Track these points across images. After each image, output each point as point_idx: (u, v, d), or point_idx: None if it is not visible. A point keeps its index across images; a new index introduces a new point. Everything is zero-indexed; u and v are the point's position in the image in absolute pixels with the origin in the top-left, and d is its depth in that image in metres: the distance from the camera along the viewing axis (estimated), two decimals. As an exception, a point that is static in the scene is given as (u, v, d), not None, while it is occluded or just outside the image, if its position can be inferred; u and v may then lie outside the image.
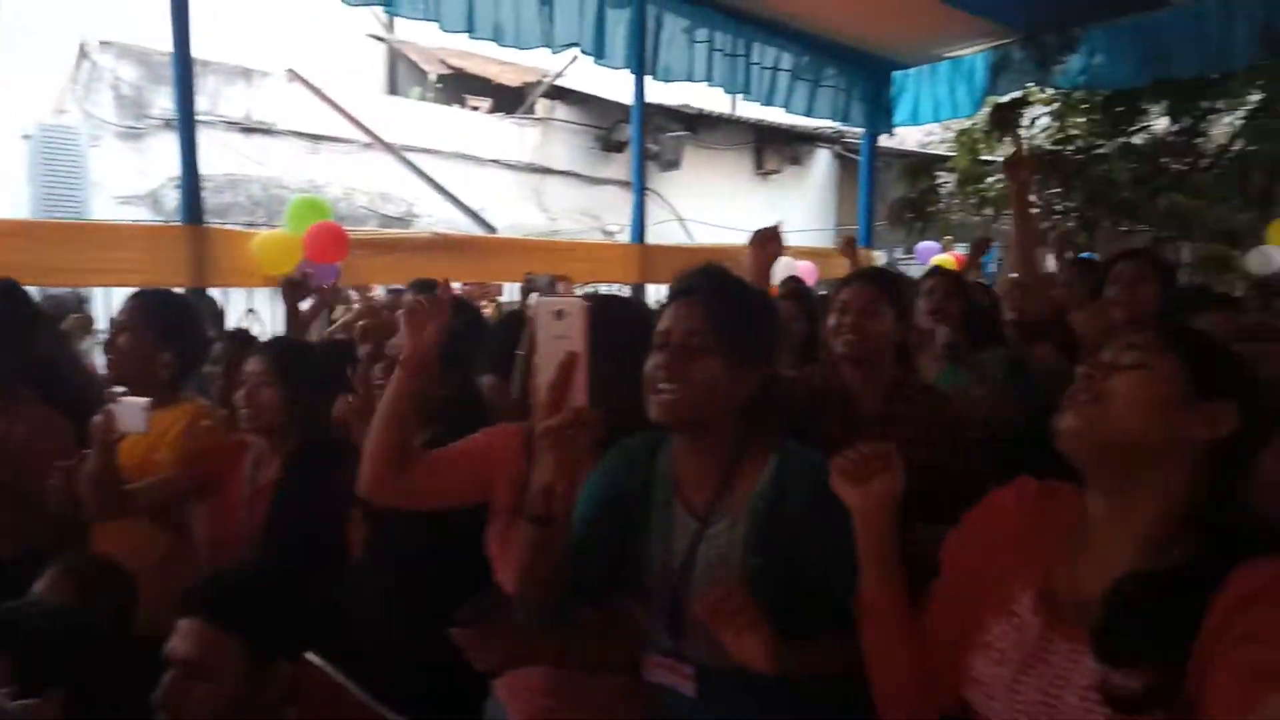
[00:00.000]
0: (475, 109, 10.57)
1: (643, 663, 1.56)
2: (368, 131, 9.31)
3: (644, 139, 7.63)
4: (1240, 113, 8.22)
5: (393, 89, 11.06)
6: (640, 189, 7.21)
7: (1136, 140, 8.46)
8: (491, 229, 9.82)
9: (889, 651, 1.23)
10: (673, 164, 11.55)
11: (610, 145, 11.02)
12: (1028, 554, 1.16)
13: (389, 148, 9.47)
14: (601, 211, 10.61)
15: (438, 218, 9.49)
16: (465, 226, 9.66)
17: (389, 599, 2.07)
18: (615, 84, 9.24)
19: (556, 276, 6.30)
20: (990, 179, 8.76)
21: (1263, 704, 0.84)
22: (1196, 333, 1.14)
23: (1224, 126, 8.52)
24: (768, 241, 2.42)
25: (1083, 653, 1.03)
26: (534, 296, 5.87)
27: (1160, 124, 8.49)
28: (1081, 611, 1.06)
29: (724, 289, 1.48)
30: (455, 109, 10.44)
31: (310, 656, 1.73)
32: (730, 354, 1.40)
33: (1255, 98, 7.87)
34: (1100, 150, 8.34)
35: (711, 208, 11.74)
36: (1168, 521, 1.05)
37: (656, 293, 8.58)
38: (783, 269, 6.97)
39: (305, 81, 8.94)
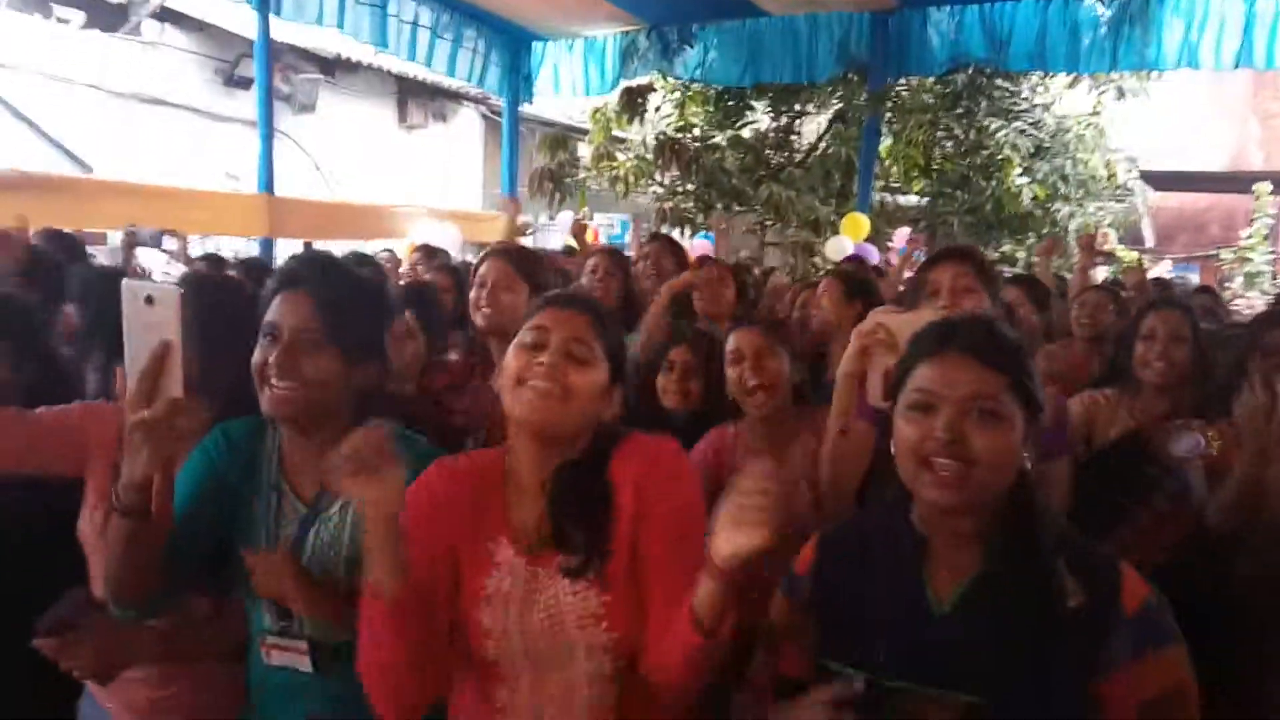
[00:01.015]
0: (64, 22, 9.12)
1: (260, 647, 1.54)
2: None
3: (273, 79, 7.10)
4: (826, 117, 9.47)
5: (-48, -15, 9.19)
6: (268, 133, 6.73)
7: (745, 133, 9.43)
8: (86, 167, 8.60)
9: (384, 641, 1.23)
10: (307, 108, 10.86)
11: (234, 80, 10.09)
12: (485, 514, 1.33)
13: (-55, 57, 7.90)
14: (224, 154, 9.70)
15: (16, 150, 8.11)
16: (53, 163, 8.36)
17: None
18: (237, 14, 8.48)
19: (166, 229, 5.65)
20: (622, 156, 9.30)
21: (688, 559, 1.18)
22: (614, 326, 1.37)
23: (815, 127, 9.77)
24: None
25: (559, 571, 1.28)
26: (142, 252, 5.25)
27: (764, 120, 9.53)
28: (546, 541, 1.29)
29: (334, 281, 1.47)
30: (37, 18, 8.93)
31: None
32: (344, 349, 1.42)
33: (838, 106, 9.11)
34: (714, 140, 9.19)
35: (351, 158, 11.25)
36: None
37: (288, 248, 8.09)
38: (439, 233, 6.90)
39: None
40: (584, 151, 9.75)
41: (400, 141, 12.52)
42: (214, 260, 4.82)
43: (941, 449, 1.12)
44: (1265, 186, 11.74)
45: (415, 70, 10.98)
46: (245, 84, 9.79)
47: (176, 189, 6.63)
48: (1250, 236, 11.55)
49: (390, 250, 6.25)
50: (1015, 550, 1.15)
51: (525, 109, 9.54)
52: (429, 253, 5.00)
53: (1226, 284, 11.19)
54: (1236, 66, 6.33)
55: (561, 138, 9.18)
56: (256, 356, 1.41)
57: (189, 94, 9.84)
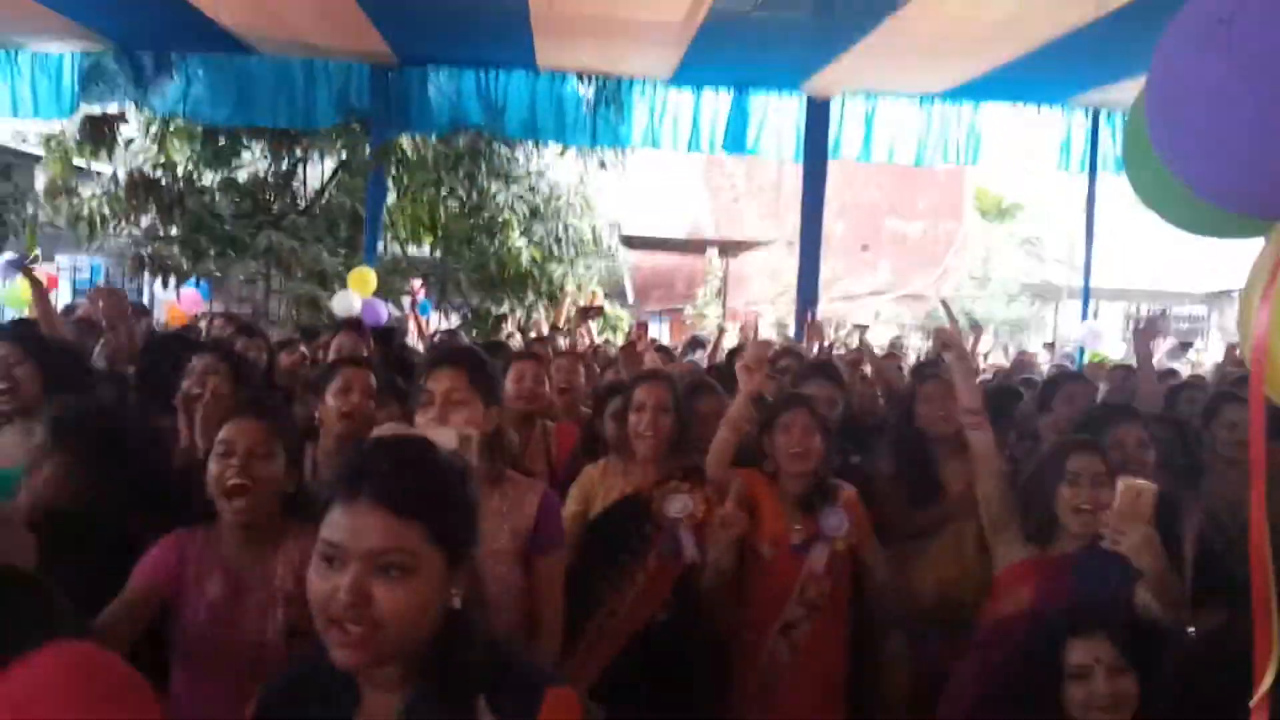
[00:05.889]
0: None
1: None
2: None
3: None
4: (331, 164, 9.13)
5: None
6: None
7: (240, 176, 8.72)
8: None
9: None
10: None
11: None
12: None
13: None
14: None
15: None
16: None
17: None
18: None
19: None
20: (88, 193, 8.01)
21: None
22: None
23: (319, 173, 9.35)
24: None
25: None
26: None
27: (263, 164, 8.90)
28: None
29: None
30: None
31: None
32: None
33: (343, 156, 8.83)
34: (203, 183, 8.37)
35: None
36: None
37: None
38: None
39: None
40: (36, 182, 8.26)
41: None
42: None
43: (344, 611, 1.02)
44: (714, 252, 14.01)
45: None
46: None
47: None
48: (704, 295, 13.67)
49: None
50: (435, 693, 1.09)
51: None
52: None
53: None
54: (690, 150, 7.50)
55: (3, 164, 7.62)
56: None
57: None
